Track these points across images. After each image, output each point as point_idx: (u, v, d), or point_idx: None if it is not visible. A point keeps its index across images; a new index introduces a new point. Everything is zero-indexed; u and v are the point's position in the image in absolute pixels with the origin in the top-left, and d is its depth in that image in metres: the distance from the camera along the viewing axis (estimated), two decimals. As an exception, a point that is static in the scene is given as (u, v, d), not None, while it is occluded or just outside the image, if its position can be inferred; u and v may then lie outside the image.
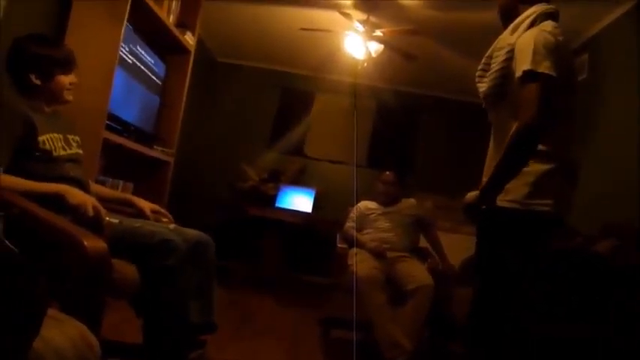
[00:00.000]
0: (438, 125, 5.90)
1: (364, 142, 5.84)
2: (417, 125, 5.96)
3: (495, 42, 1.75)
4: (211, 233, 2.08)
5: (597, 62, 3.59)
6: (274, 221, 5.05)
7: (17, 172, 1.61)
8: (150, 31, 2.94)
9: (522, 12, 1.68)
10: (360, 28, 3.94)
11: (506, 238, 1.61)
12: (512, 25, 1.69)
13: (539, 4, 1.67)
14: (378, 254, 3.04)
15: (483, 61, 1.78)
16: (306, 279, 5.48)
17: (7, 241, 0.97)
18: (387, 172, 3.47)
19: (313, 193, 5.24)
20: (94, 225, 1.58)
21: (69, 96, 1.86)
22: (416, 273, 2.90)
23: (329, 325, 3.32)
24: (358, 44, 4.03)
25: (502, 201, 1.59)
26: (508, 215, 1.58)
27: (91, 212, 1.60)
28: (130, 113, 2.86)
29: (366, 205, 3.45)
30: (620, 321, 1.94)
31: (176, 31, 3.12)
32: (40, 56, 1.76)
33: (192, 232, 2.01)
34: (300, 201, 5.20)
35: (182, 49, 3.33)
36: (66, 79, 1.83)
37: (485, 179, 1.68)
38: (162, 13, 2.87)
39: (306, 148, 5.86)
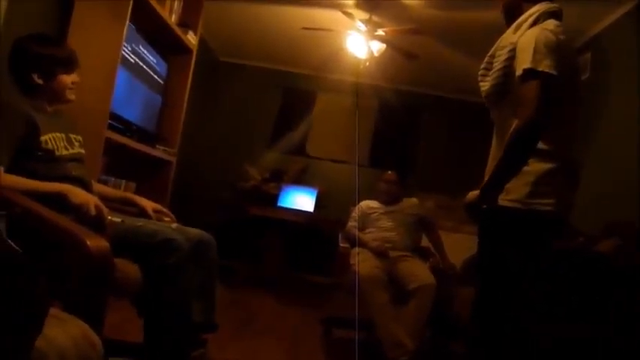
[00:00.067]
0: (439, 124, 5.89)
1: (366, 141, 5.83)
2: (418, 124, 5.96)
3: (498, 41, 1.75)
4: (213, 233, 2.09)
5: (600, 61, 3.58)
6: (276, 221, 5.05)
7: (19, 171, 1.61)
8: (152, 30, 2.94)
9: (526, 10, 1.68)
10: (362, 27, 3.94)
11: (507, 237, 1.61)
12: (514, 24, 1.69)
13: (543, 3, 1.67)
14: (380, 254, 3.04)
15: (486, 60, 1.78)
16: (308, 278, 5.48)
17: (9, 241, 0.97)
18: (389, 172, 3.48)
19: (315, 192, 5.25)
20: (97, 224, 1.58)
21: (71, 95, 1.86)
22: (418, 272, 2.90)
23: (331, 324, 3.32)
24: (360, 43, 4.03)
25: (503, 200, 1.59)
26: (509, 215, 1.58)
27: (93, 211, 1.61)
28: (133, 113, 2.86)
29: (368, 204, 3.45)
30: (620, 321, 1.94)
31: (178, 31, 3.13)
32: (42, 56, 1.76)
33: (194, 232, 2.01)
34: (302, 200, 5.21)
35: (184, 49, 3.33)
36: (68, 79, 1.83)
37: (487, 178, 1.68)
38: (164, 13, 2.88)
39: (308, 148, 5.86)
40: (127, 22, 2.43)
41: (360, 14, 3.96)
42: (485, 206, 1.62)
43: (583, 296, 2.01)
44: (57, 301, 1.20)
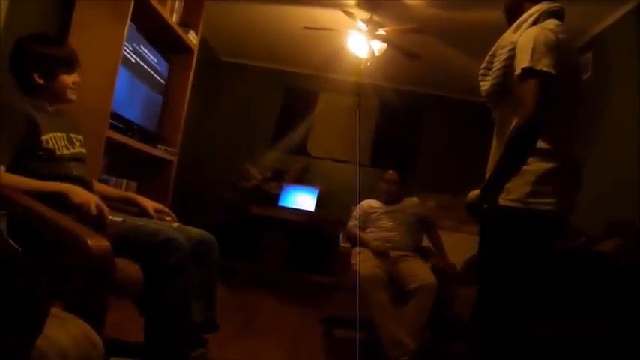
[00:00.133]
0: (441, 124, 5.89)
1: (367, 141, 5.83)
2: (420, 124, 5.96)
3: (499, 40, 1.75)
4: (214, 232, 2.08)
5: (601, 61, 3.58)
6: (277, 220, 5.06)
7: (20, 171, 1.62)
8: (153, 30, 2.94)
9: (527, 10, 1.68)
10: (364, 27, 3.94)
11: (507, 237, 1.61)
12: (515, 24, 1.69)
13: (544, 2, 1.67)
14: (380, 253, 3.04)
15: (486, 59, 1.78)
16: (309, 278, 5.49)
17: (10, 240, 0.97)
18: (390, 171, 3.48)
19: (316, 192, 5.25)
20: (98, 224, 1.58)
21: (72, 95, 1.87)
22: (419, 272, 2.90)
23: (331, 324, 3.32)
24: (361, 43, 4.03)
25: (504, 200, 1.59)
26: (510, 214, 1.58)
27: (94, 211, 1.61)
28: (134, 112, 2.86)
29: (369, 203, 3.45)
30: (620, 321, 1.94)
31: (179, 30, 3.13)
32: (43, 55, 1.77)
33: (195, 231, 2.01)
34: (303, 200, 5.21)
35: (185, 49, 3.34)
36: (69, 79, 1.83)
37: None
38: (165, 12, 2.88)
39: (309, 147, 5.86)
40: (128, 21, 2.44)
41: (361, 14, 3.96)
42: (485, 206, 1.62)
43: (583, 296, 2.01)
44: (58, 301, 1.20)
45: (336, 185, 5.50)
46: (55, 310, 1.03)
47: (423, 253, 3.26)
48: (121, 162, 2.92)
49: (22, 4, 2.15)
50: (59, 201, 1.59)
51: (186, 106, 3.42)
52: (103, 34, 2.40)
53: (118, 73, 2.42)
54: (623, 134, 3.15)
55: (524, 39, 1.57)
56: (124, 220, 1.78)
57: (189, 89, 3.44)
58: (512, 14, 1.74)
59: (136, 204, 2.09)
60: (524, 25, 1.64)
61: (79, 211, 1.59)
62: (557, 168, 1.57)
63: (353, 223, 3.39)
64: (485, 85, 1.75)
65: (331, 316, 3.35)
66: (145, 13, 2.66)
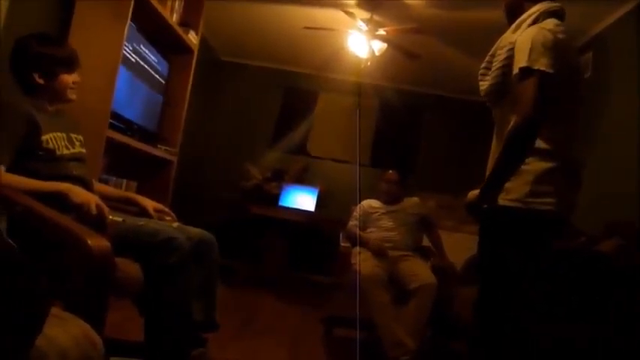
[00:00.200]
0: (441, 124, 5.89)
1: (367, 140, 5.83)
2: (420, 124, 5.96)
3: (499, 40, 1.75)
4: (214, 232, 2.08)
5: (601, 61, 3.57)
6: (277, 220, 5.06)
7: (20, 171, 1.62)
8: (153, 30, 2.94)
9: (527, 10, 1.68)
10: (364, 26, 3.94)
11: (507, 237, 1.61)
12: (515, 24, 1.70)
13: (544, 2, 1.67)
14: (377, 253, 3.03)
15: (486, 59, 1.78)
16: (309, 278, 5.49)
17: (9, 240, 0.97)
18: (390, 171, 3.48)
19: (316, 191, 5.25)
20: (98, 223, 1.58)
21: (72, 95, 1.87)
22: (419, 272, 2.90)
23: (331, 324, 3.32)
24: (361, 43, 4.03)
25: (503, 200, 1.59)
26: (509, 214, 1.58)
27: (94, 211, 1.61)
28: (134, 112, 2.86)
29: (369, 203, 3.45)
30: (620, 321, 1.94)
31: (179, 30, 3.13)
32: (43, 55, 1.76)
33: (195, 231, 2.01)
34: (303, 200, 5.21)
35: (185, 48, 3.34)
36: (69, 78, 1.83)
37: (488, 177, 1.68)
38: (165, 12, 2.88)
39: (310, 147, 5.86)
40: (128, 21, 2.44)
41: (362, 13, 3.96)
42: (485, 205, 1.62)
43: (583, 296, 2.01)
44: (58, 301, 1.20)
45: (336, 185, 5.50)
46: (54, 310, 1.03)
47: (423, 253, 3.26)
48: (121, 162, 2.92)
49: (22, 4, 2.15)
50: (59, 201, 1.59)
51: (186, 106, 3.42)
52: (103, 34, 2.40)
53: (118, 73, 2.42)
54: (623, 134, 3.15)
55: (523, 39, 1.57)
56: (124, 220, 1.78)
57: (189, 89, 3.44)
58: (513, 14, 1.74)
59: (135, 204, 2.09)
60: (524, 25, 1.64)
61: (79, 211, 1.59)
62: (556, 168, 1.57)
63: (353, 223, 3.39)
64: (484, 84, 1.75)
65: (331, 315, 3.35)
66: (145, 12, 2.66)
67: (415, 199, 3.48)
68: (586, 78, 3.55)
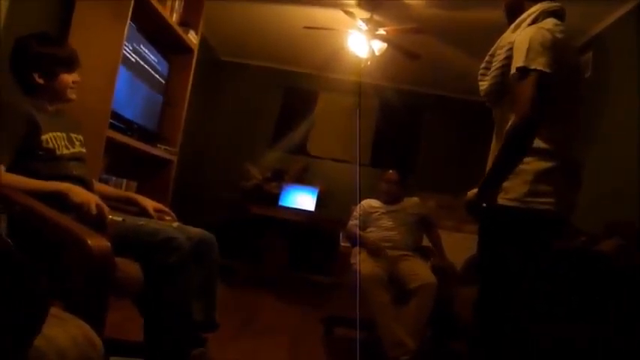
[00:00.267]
0: (441, 124, 5.89)
1: (367, 140, 5.83)
2: (420, 124, 5.96)
3: (498, 40, 1.76)
4: (214, 232, 2.08)
5: (601, 61, 3.57)
6: (277, 220, 5.06)
7: (20, 170, 1.62)
8: (153, 29, 2.94)
9: (527, 9, 1.68)
10: (364, 26, 3.94)
11: (506, 237, 1.61)
12: (514, 23, 1.70)
13: (543, 2, 1.67)
14: (374, 252, 3.03)
15: (486, 59, 1.78)
16: (309, 278, 5.49)
17: (9, 240, 0.97)
18: (390, 171, 3.47)
19: (316, 191, 5.25)
20: (98, 223, 1.58)
21: (72, 95, 1.87)
22: (419, 271, 2.90)
23: (331, 324, 3.32)
24: (361, 43, 4.03)
25: (502, 199, 1.59)
26: (509, 214, 1.58)
27: (94, 210, 1.61)
28: (134, 112, 2.86)
29: (369, 203, 3.45)
30: (620, 321, 1.94)
31: (179, 30, 3.13)
32: (43, 55, 1.76)
33: (195, 231, 2.01)
34: (303, 200, 5.21)
35: (185, 48, 3.34)
36: (69, 78, 1.83)
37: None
38: (165, 12, 2.88)
39: (310, 147, 5.86)
40: (128, 21, 2.44)
41: (362, 13, 3.96)
42: (484, 204, 1.62)
43: (583, 296, 2.01)
44: (58, 301, 1.20)
45: (336, 185, 5.50)
46: (54, 310, 1.03)
47: (423, 253, 3.26)
48: (121, 162, 2.92)
49: (22, 4, 2.15)
50: (59, 201, 1.59)
51: (186, 105, 3.42)
52: (103, 34, 2.40)
53: (118, 73, 2.43)
54: (623, 134, 3.15)
55: (521, 38, 1.57)
56: (123, 220, 1.78)
57: (189, 89, 3.44)
58: (513, 14, 1.74)
59: (135, 203, 2.09)
60: (523, 25, 1.64)
61: (78, 211, 1.59)
62: (555, 167, 1.57)
63: (353, 223, 3.39)
64: (484, 84, 1.75)
65: (331, 315, 3.35)
66: (145, 12, 2.66)
67: (415, 199, 3.48)
68: (586, 78, 3.55)
